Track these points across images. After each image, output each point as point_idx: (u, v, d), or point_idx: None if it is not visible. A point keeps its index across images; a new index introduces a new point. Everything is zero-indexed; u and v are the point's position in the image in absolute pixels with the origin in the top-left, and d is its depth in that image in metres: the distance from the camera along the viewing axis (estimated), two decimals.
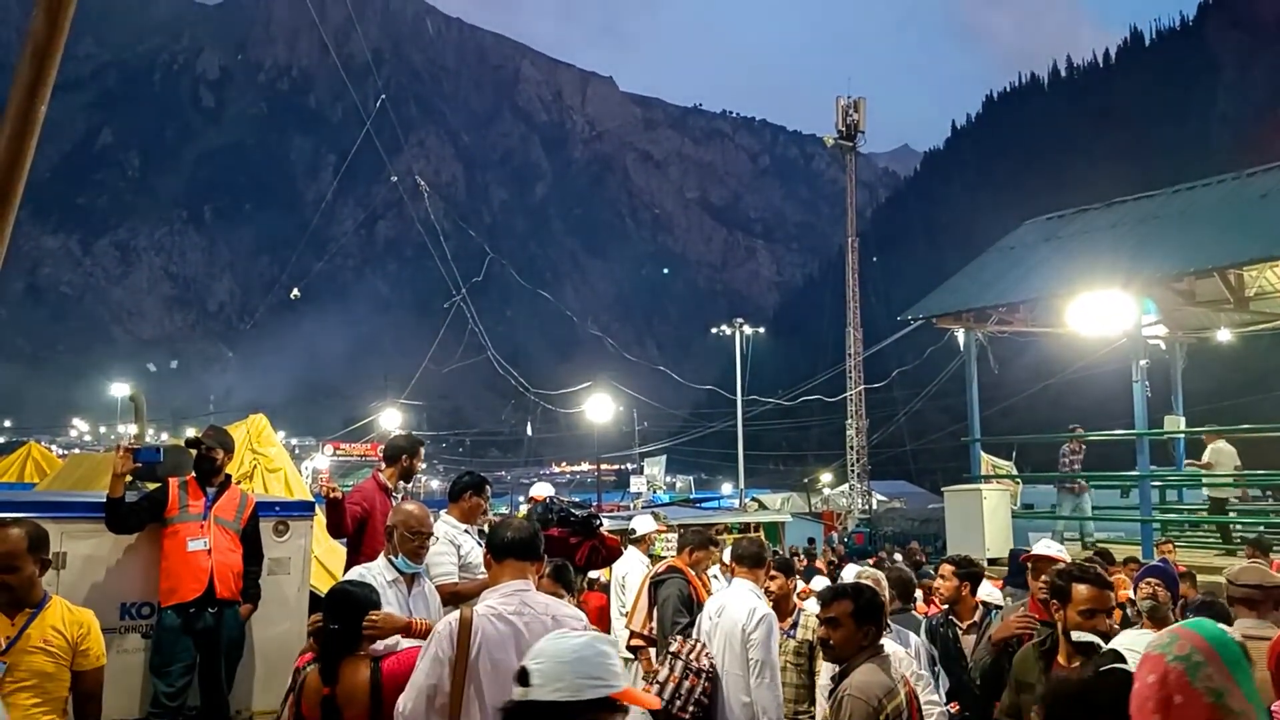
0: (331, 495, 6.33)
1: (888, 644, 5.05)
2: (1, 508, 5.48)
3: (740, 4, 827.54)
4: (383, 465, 6.91)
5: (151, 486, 6.12)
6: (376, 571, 4.87)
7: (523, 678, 2.46)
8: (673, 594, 6.63)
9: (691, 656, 5.38)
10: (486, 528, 6.31)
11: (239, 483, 7.98)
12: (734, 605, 5.45)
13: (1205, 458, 14.46)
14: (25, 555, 4.01)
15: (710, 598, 5.83)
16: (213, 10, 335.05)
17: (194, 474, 6.11)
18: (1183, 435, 16.52)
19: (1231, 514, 14.61)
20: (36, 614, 4.00)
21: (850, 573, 8.26)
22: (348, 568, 6.06)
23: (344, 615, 4.04)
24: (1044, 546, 6.07)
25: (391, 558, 4.88)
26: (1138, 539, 13.56)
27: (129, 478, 5.88)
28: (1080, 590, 4.17)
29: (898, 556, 20.46)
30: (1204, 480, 14.87)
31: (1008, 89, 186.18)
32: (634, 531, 9.91)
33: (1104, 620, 4.03)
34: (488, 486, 6.39)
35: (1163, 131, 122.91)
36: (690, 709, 5.22)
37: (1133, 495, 15.23)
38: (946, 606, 6.53)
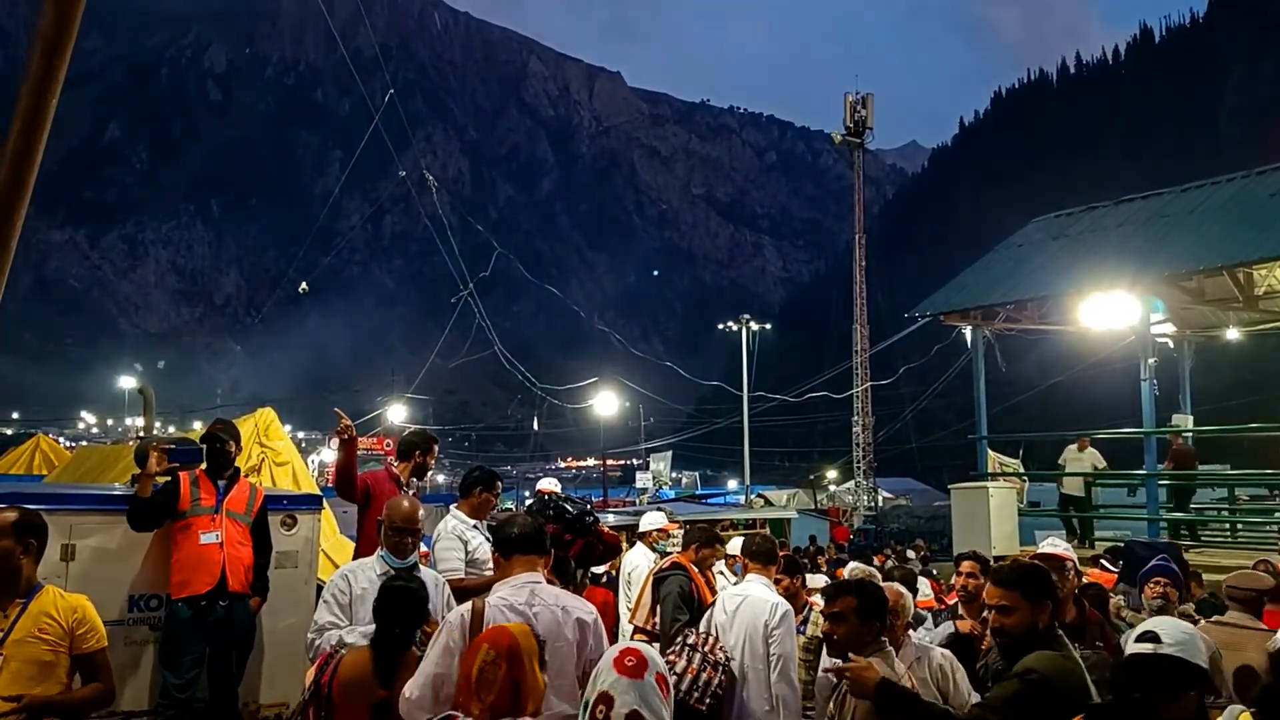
0: (345, 435, 6.35)
1: (933, 648, 5.04)
2: (10, 499, 5.50)
3: (748, 0, 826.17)
4: (394, 460, 6.91)
5: (161, 480, 6.13)
6: (369, 565, 4.89)
7: (1151, 637, 3.07)
8: (673, 591, 6.64)
9: (708, 649, 5.40)
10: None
11: (247, 476, 8.00)
12: (754, 600, 5.44)
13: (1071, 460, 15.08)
14: (9, 531, 4.01)
15: (724, 592, 5.81)
16: (220, 5, 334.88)
17: (203, 467, 6.11)
18: (1191, 434, 16.48)
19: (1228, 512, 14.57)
20: (28, 603, 4.01)
21: (845, 570, 8.28)
22: (356, 558, 6.07)
23: (403, 615, 4.04)
24: (1049, 545, 6.06)
25: (382, 553, 4.90)
26: (1143, 537, 13.55)
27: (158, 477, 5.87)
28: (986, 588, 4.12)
29: (910, 554, 20.41)
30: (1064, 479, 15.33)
31: (1016, 86, 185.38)
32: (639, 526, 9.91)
33: (1003, 617, 3.82)
34: (498, 482, 6.40)
35: (1172, 129, 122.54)
36: (707, 701, 5.25)
37: (1140, 494, 15.23)
38: (954, 603, 6.53)
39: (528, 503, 19.29)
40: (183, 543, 5.84)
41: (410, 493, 6.45)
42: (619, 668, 3.05)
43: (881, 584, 5.51)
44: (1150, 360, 13.60)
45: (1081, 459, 15.09)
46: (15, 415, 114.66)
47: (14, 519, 4.05)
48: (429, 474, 7.42)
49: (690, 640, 5.54)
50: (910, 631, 5.38)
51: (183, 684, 5.68)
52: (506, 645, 3.08)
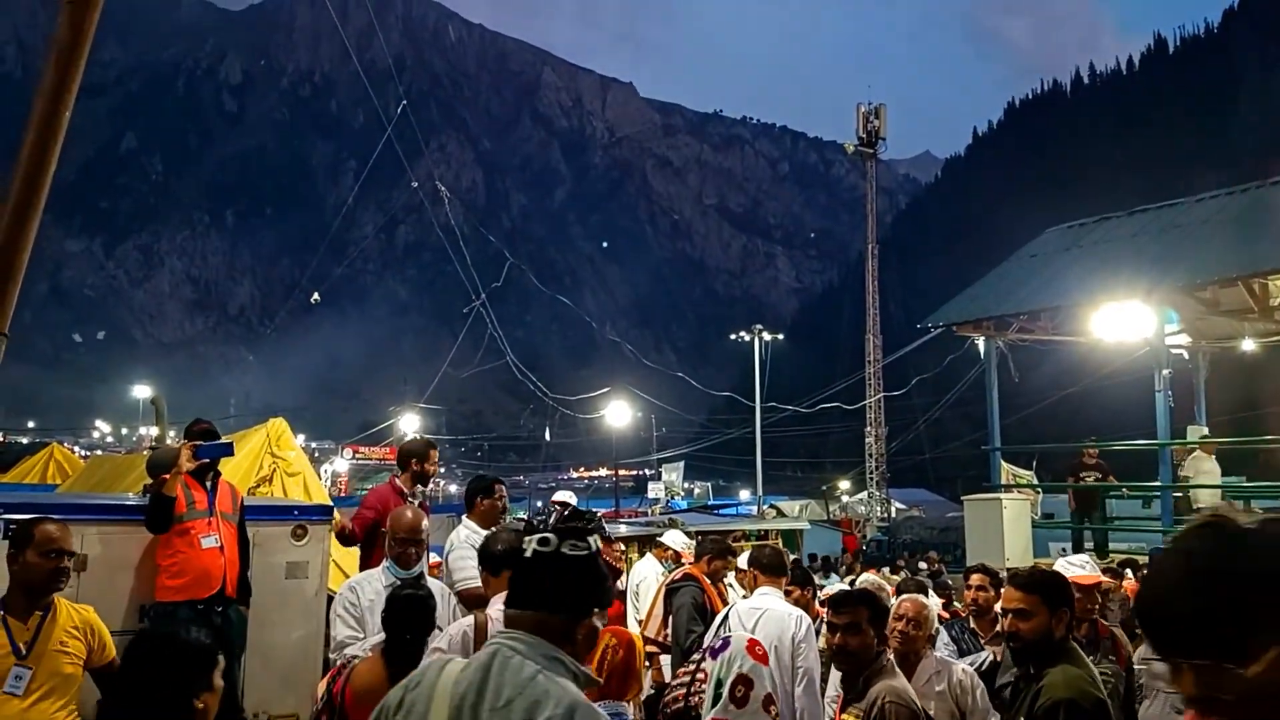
0: (343, 531, 6.43)
1: (955, 662, 4.98)
2: (25, 509, 5.51)
3: (760, 10, 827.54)
4: (398, 471, 6.92)
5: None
6: (375, 576, 4.87)
7: None
8: (687, 602, 6.58)
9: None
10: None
11: (258, 485, 8.01)
12: (775, 613, 5.35)
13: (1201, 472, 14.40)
14: (65, 543, 4.11)
15: (738, 605, 5.73)
16: (236, 16, 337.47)
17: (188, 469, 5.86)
18: (1199, 445, 16.37)
19: None
20: (47, 616, 4.03)
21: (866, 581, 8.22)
22: (361, 570, 6.06)
23: (413, 623, 4.04)
24: (1078, 566, 5.92)
25: (387, 564, 4.89)
26: (1159, 550, 13.45)
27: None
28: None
29: (922, 565, 20.29)
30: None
31: (1030, 96, 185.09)
32: (658, 538, 9.93)
33: (1020, 622, 3.83)
34: (497, 486, 6.37)
35: (1186, 139, 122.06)
36: None
37: (1155, 506, 15.13)
38: (966, 615, 6.48)
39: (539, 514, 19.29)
40: (182, 547, 5.66)
41: (416, 503, 6.44)
42: (752, 655, 3.83)
43: (906, 596, 5.45)
44: (1165, 371, 13.52)
45: (1212, 469, 13.97)
46: (30, 424, 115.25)
47: (68, 537, 4.10)
48: (437, 482, 7.45)
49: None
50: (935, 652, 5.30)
51: None
52: (627, 640, 3.66)
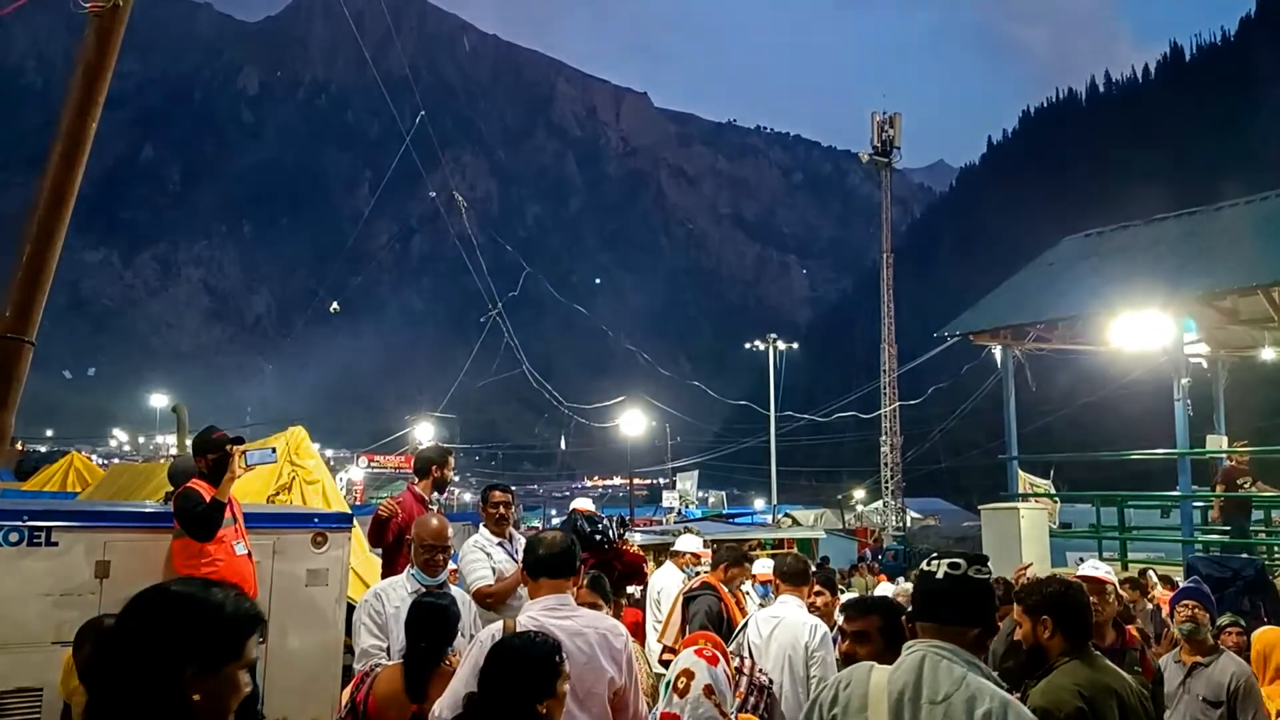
0: (383, 514, 6.41)
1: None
2: (45, 517, 5.55)
3: (775, 20, 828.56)
4: (415, 478, 6.95)
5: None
6: (400, 583, 4.88)
7: None
8: (702, 610, 6.60)
9: (757, 673, 5.35)
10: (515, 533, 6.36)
11: (277, 493, 8.04)
12: (790, 622, 5.36)
13: None
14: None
15: (757, 614, 5.73)
16: (253, 28, 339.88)
17: (201, 477, 5.83)
18: (1225, 455, 16.25)
19: None
20: None
21: (888, 591, 8.19)
22: (384, 578, 6.07)
23: (432, 631, 4.04)
24: (1091, 568, 5.95)
25: (413, 571, 4.90)
26: (1178, 559, 13.36)
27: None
28: None
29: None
30: None
31: (1045, 105, 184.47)
32: (673, 547, 9.95)
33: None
34: (490, 494, 6.42)
35: (1204, 148, 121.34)
36: None
37: (1173, 515, 15.03)
38: None
39: (554, 522, 19.26)
40: (220, 555, 5.65)
41: (436, 509, 6.47)
42: (699, 655, 3.97)
43: None
44: (1183, 380, 13.45)
45: None
46: (49, 433, 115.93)
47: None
48: (451, 490, 7.50)
49: (735, 664, 5.49)
50: None
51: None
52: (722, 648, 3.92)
